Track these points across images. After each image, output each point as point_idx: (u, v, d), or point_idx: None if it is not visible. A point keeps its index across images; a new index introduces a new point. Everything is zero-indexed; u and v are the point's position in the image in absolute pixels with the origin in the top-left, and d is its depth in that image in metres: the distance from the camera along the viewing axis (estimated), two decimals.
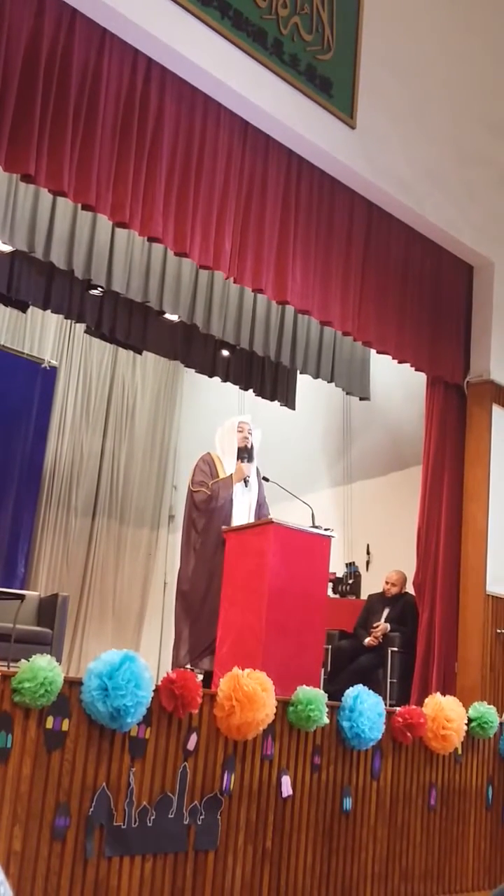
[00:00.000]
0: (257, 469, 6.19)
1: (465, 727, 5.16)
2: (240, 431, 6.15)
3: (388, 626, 6.47)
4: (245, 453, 6.08)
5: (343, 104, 5.55)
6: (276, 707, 4.08)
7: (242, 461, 6.05)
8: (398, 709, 4.90)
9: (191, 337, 7.38)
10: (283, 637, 4.98)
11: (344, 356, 7.28)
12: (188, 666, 5.54)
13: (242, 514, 6.00)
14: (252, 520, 5.97)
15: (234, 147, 5.17)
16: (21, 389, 8.53)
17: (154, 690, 3.62)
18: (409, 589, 6.58)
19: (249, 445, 6.11)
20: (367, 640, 6.47)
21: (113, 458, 9.38)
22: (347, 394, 7.64)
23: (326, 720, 4.34)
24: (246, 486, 6.05)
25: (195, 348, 7.54)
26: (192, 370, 8.05)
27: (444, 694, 5.27)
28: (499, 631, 6.20)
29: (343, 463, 8.17)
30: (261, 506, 6.19)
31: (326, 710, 4.33)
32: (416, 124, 6.11)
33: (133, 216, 4.65)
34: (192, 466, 6.19)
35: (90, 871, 3.42)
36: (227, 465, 6.06)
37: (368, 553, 7.66)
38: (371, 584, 7.24)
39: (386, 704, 4.83)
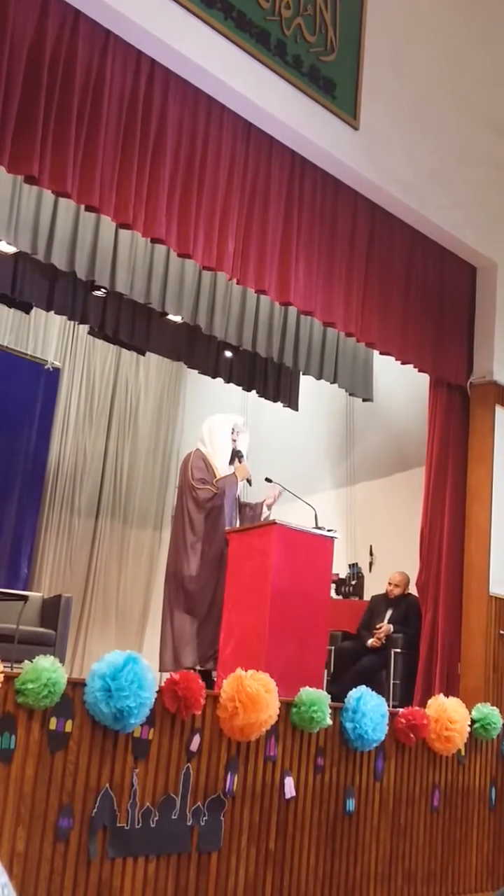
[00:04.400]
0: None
1: (469, 728, 5.16)
2: (232, 438, 6.16)
3: (391, 627, 6.47)
4: (237, 456, 6.11)
5: (346, 105, 5.55)
6: (280, 708, 4.07)
7: (238, 462, 6.06)
8: (401, 710, 4.89)
9: (194, 338, 7.38)
10: (286, 638, 4.98)
11: (347, 357, 7.28)
12: (197, 668, 5.53)
13: (234, 513, 6.04)
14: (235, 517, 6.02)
15: (238, 148, 5.16)
16: (24, 391, 8.54)
17: (157, 691, 3.62)
18: (413, 590, 6.57)
19: (237, 448, 6.14)
20: (371, 642, 6.47)
21: (116, 459, 9.38)
22: (350, 395, 7.63)
23: (329, 721, 4.33)
24: (250, 485, 6.07)
25: (198, 349, 7.54)
26: (196, 371, 8.04)
27: (447, 695, 5.26)
28: (502, 632, 6.19)
29: (346, 464, 8.16)
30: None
31: (329, 711, 4.33)
32: (419, 125, 6.10)
33: (136, 217, 4.65)
34: (184, 464, 6.16)
35: (93, 872, 3.42)
36: (219, 463, 6.05)
37: (371, 554, 7.65)
38: (374, 586, 7.24)
39: (389, 706, 4.82)
